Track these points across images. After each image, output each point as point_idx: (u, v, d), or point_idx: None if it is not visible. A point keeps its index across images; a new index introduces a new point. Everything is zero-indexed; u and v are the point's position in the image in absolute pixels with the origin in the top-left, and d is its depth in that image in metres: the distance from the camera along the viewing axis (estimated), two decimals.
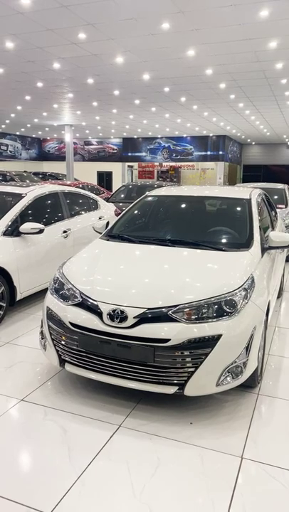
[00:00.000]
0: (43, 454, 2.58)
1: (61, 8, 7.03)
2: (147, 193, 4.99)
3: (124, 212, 4.69)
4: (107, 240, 4.10)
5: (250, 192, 4.57)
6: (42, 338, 3.42)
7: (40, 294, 5.42)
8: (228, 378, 2.88)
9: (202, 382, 2.83)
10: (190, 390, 2.83)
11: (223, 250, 3.64)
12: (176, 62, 10.14)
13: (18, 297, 4.87)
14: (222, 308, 2.91)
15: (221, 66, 10.45)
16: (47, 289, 3.66)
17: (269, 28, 7.80)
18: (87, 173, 27.66)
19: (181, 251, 3.65)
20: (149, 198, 4.87)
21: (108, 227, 4.47)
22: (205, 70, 10.82)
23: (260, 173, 30.30)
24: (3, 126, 23.83)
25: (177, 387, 2.84)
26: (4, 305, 4.63)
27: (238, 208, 4.31)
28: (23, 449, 2.64)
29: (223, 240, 3.95)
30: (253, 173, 30.33)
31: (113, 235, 4.22)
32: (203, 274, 3.26)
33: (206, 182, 26.77)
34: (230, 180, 28.10)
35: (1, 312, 4.60)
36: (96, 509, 2.16)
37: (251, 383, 3.24)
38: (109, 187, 26.59)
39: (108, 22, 7.64)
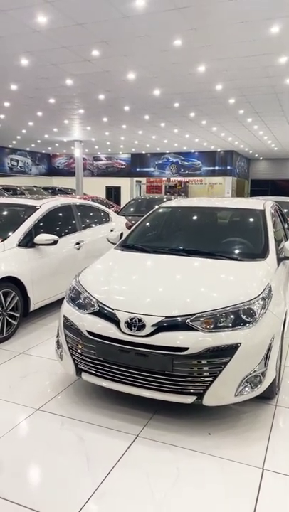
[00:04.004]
0: (61, 463, 2.56)
1: (76, 26, 7.21)
2: (160, 204, 5.02)
3: (137, 223, 4.72)
4: (122, 250, 4.12)
5: (263, 203, 4.59)
6: (58, 348, 3.41)
7: (53, 305, 5.43)
8: (247, 388, 2.85)
9: (221, 391, 2.81)
10: (209, 400, 2.80)
11: (239, 260, 3.65)
12: (186, 78, 10.30)
13: (32, 308, 4.88)
14: (240, 317, 2.90)
15: (231, 82, 10.59)
16: (60, 300, 3.67)
17: (279, 44, 7.92)
18: (96, 188, 27.87)
19: (196, 261, 3.66)
20: (163, 210, 4.90)
21: (122, 238, 4.50)
22: (215, 85, 10.97)
23: (267, 188, 30.38)
24: (14, 142, 24.22)
25: (196, 397, 2.81)
26: (18, 316, 4.64)
27: (253, 219, 4.32)
28: (42, 457, 2.62)
29: (239, 250, 3.95)
30: (260, 188, 30.41)
31: (128, 245, 4.24)
32: (219, 283, 3.26)
33: (214, 197, 26.85)
34: (238, 195, 28.16)
35: (15, 323, 4.60)
36: None
37: (269, 394, 3.20)
38: (117, 202, 26.75)
39: (121, 39, 7.81)
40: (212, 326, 2.83)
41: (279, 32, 7.28)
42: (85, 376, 3.14)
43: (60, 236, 5.39)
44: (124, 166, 29.48)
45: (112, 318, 3.01)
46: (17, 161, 27.95)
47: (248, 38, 7.63)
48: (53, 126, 18.41)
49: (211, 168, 26.91)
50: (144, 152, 28.13)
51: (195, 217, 4.77)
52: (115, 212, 10.67)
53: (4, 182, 20.51)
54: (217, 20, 6.88)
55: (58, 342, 3.43)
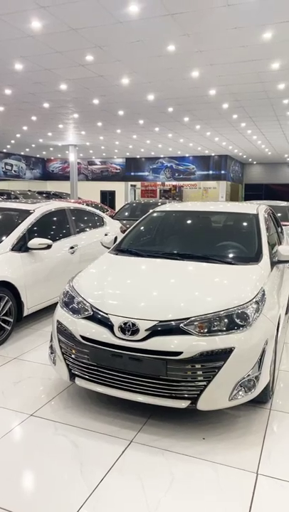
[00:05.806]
0: (54, 469, 2.54)
1: (70, 31, 7.22)
2: (155, 208, 5.02)
3: (131, 227, 4.72)
4: (116, 255, 4.12)
5: (257, 207, 4.61)
6: (51, 353, 3.39)
7: (47, 310, 5.41)
8: (241, 392, 2.85)
9: (215, 396, 2.80)
10: (203, 404, 2.79)
11: (233, 264, 3.65)
12: (180, 83, 10.34)
13: (26, 313, 4.85)
14: (234, 321, 2.90)
15: (224, 87, 10.65)
16: (54, 304, 3.65)
17: (272, 50, 7.97)
18: (91, 192, 27.87)
19: (190, 264, 3.66)
20: (157, 214, 4.90)
21: (116, 242, 4.50)
22: (209, 90, 11.02)
23: (261, 192, 30.53)
24: (8, 146, 24.17)
25: (190, 401, 2.80)
26: (12, 320, 4.61)
27: (246, 223, 4.34)
28: (35, 464, 2.60)
29: (232, 254, 3.95)
30: (254, 192, 30.56)
31: (122, 249, 4.24)
32: (213, 287, 3.26)
33: (208, 201, 26.92)
34: (232, 199, 28.28)
35: (9, 328, 4.57)
36: None
37: (263, 398, 3.20)
38: (112, 206, 26.78)
39: (116, 44, 7.83)
40: (206, 330, 2.83)
41: (271, 38, 7.33)
42: (78, 381, 3.12)
43: (54, 240, 5.37)
44: (118, 170, 29.52)
45: (105, 322, 3.00)
46: (11, 165, 27.90)
47: (240, 44, 7.68)
48: (47, 130, 18.40)
49: (206, 172, 27.00)
50: (138, 156, 28.18)
51: (189, 222, 4.78)
52: (110, 216, 10.69)
53: None
54: (210, 26, 6.93)
55: (51, 347, 3.41)
